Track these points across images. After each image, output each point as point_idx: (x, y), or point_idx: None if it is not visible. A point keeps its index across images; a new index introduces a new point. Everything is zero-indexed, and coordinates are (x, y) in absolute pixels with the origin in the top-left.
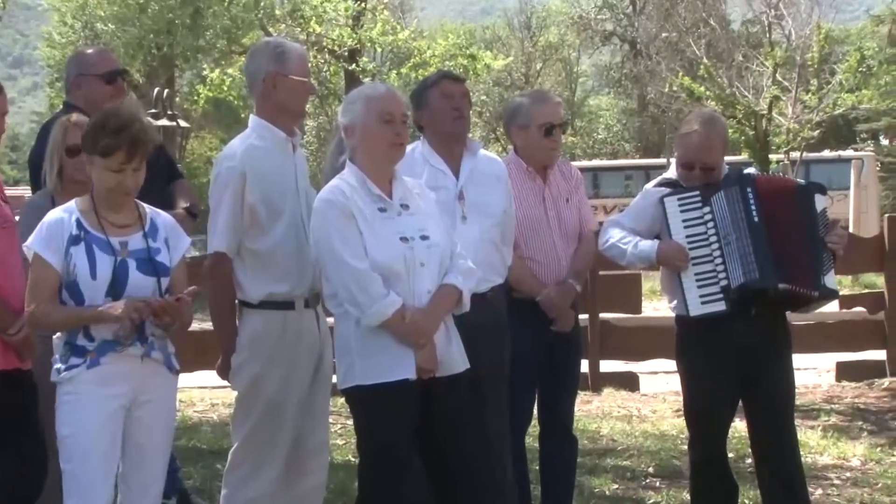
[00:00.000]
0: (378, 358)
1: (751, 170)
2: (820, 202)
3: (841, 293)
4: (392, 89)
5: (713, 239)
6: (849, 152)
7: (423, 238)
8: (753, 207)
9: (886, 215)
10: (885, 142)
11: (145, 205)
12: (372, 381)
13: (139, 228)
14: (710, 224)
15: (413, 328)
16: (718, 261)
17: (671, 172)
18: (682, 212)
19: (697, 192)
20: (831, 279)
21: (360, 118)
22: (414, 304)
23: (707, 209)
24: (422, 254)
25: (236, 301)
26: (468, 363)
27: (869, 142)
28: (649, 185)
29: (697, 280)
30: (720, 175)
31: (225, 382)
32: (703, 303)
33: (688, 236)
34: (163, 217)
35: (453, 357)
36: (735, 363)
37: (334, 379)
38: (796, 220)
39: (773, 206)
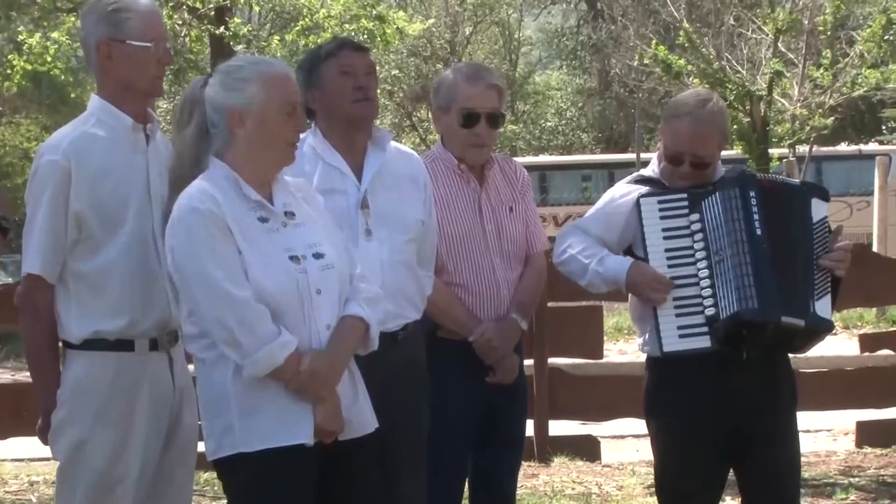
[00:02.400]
0: (265, 417)
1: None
2: (818, 210)
3: (862, 331)
4: (288, 69)
5: (700, 255)
6: (872, 146)
7: (318, 256)
8: (756, 217)
9: None
10: None
11: None
12: (258, 448)
13: None
14: (699, 236)
15: (312, 376)
16: (705, 283)
17: (651, 169)
18: (662, 218)
19: (684, 195)
20: (825, 307)
21: (258, 103)
22: (310, 343)
23: (696, 216)
24: (317, 277)
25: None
26: (377, 421)
27: None
28: (622, 183)
29: (677, 307)
30: (714, 176)
31: (48, 450)
32: (681, 336)
33: (668, 250)
34: None
35: (361, 414)
36: (726, 423)
37: (201, 447)
38: (787, 230)
39: (777, 217)
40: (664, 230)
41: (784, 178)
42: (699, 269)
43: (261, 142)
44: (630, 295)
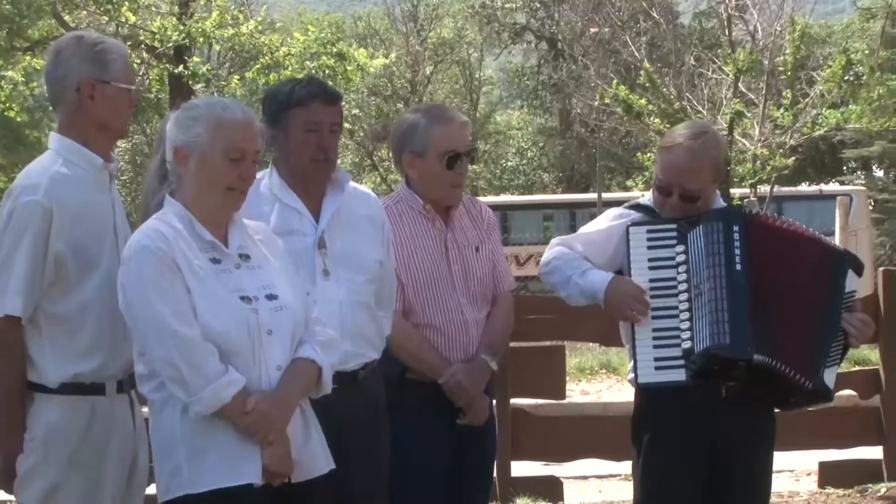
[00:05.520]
0: (213, 458)
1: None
2: (851, 282)
3: None
4: (249, 116)
5: (682, 287)
6: (833, 186)
7: (270, 298)
8: (738, 251)
9: (882, 269)
10: (878, 173)
11: None
12: (205, 489)
13: None
14: (682, 268)
15: (259, 418)
16: (684, 315)
17: (648, 197)
18: (649, 248)
19: (674, 226)
20: (831, 376)
21: (201, 144)
22: (260, 384)
23: (681, 248)
24: (268, 318)
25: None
26: (332, 462)
27: (859, 173)
28: (619, 207)
29: (655, 338)
30: (708, 208)
31: (8, 496)
32: (657, 368)
33: (652, 280)
34: None
35: (313, 455)
36: (706, 459)
37: (150, 489)
38: (816, 291)
39: (773, 257)
40: (650, 260)
41: (811, 231)
42: (679, 302)
43: (200, 183)
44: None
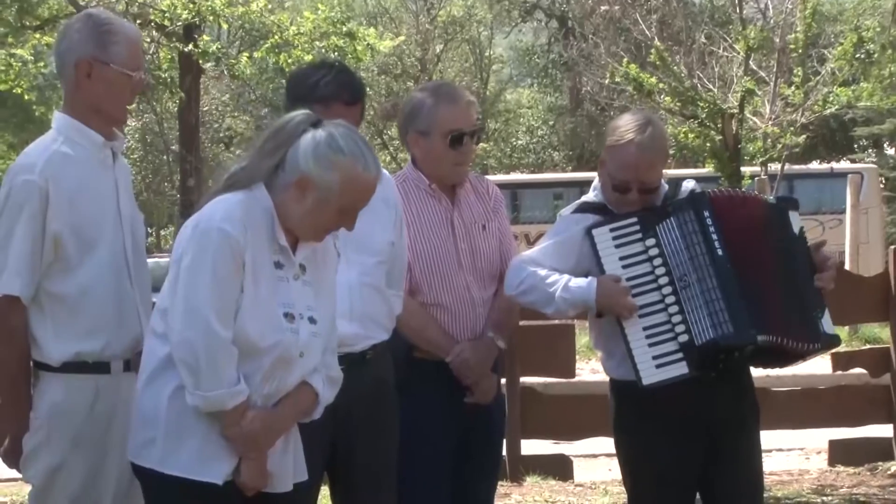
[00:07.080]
0: (187, 448)
1: (689, 183)
2: (795, 221)
3: (835, 350)
4: (380, 173)
5: (664, 280)
6: (844, 164)
7: (312, 321)
8: (715, 237)
9: (893, 247)
10: (890, 151)
11: None
12: (171, 473)
13: None
14: (658, 261)
15: (247, 435)
16: (674, 309)
17: (594, 194)
18: (617, 246)
19: (635, 219)
20: (829, 322)
21: (328, 191)
22: (272, 400)
23: (651, 241)
24: (305, 341)
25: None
26: (305, 474)
27: (870, 151)
28: (567, 212)
29: (648, 336)
30: (659, 197)
31: (16, 472)
32: (658, 366)
33: (629, 278)
34: None
35: (285, 468)
36: (694, 442)
37: None
38: (770, 250)
39: (738, 232)
40: (621, 258)
41: (745, 192)
42: (665, 296)
43: (304, 215)
44: (590, 317)
